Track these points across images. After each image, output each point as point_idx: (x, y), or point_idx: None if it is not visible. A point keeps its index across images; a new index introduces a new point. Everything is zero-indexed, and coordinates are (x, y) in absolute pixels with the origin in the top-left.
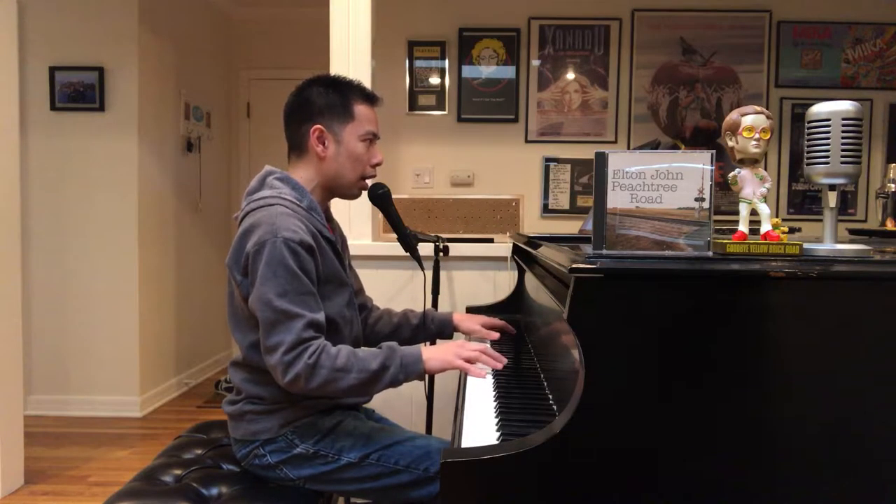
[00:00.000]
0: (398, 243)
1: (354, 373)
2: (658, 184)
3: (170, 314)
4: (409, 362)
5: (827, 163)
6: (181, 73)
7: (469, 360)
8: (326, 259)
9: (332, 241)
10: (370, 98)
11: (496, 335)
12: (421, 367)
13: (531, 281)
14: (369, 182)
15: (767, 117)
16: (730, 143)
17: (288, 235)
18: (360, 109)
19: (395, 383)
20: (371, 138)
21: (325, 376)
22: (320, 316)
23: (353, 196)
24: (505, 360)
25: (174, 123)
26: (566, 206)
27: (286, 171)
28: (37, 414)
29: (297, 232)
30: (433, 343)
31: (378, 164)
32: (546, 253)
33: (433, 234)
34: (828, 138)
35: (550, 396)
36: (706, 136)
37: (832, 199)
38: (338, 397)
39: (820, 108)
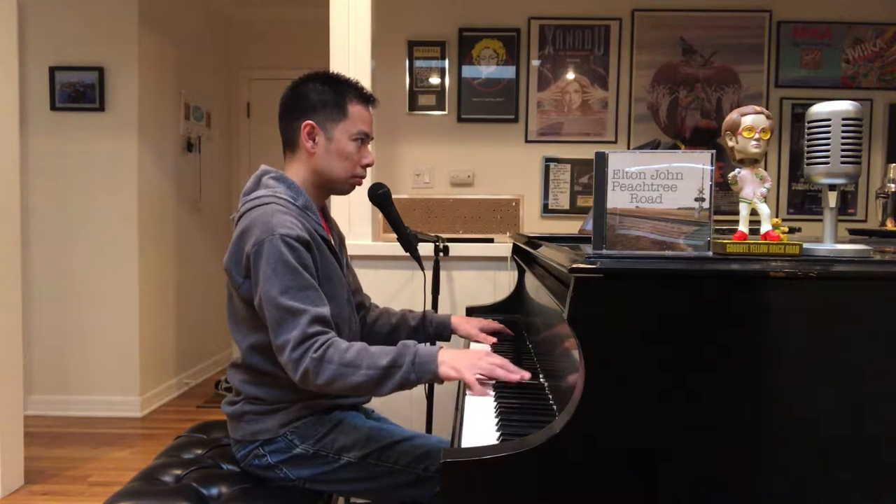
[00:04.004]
0: (398, 243)
1: (364, 369)
2: (658, 184)
3: (170, 314)
4: (424, 361)
5: (827, 163)
6: (181, 73)
7: (484, 373)
8: (323, 258)
9: (328, 240)
10: (366, 98)
11: (493, 340)
12: (434, 367)
13: (531, 281)
14: (360, 180)
15: (767, 117)
16: (730, 143)
17: (284, 232)
18: (355, 109)
19: (407, 383)
20: (363, 139)
21: (333, 371)
22: (325, 310)
23: (343, 192)
24: (528, 375)
25: (174, 123)
26: (566, 206)
27: (283, 169)
28: (37, 414)
29: (292, 228)
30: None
31: (368, 165)
32: (546, 253)
33: (433, 234)
34: (828, 138)
35: (550, 396)
36: (706, 136)
37: (832, 199)
38: (350, 395)
39: (820, 108)
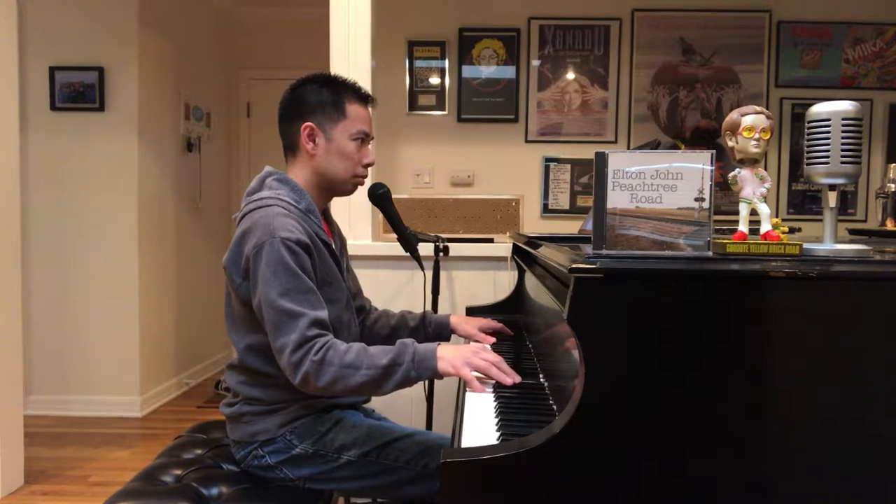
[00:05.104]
0: (398, 243)
1: (364, 369)
2: (658, 184)
3: (170, 314)
4: (423, 357)
5: (827, 163)
6: (181, 73)
7: (478, 369)
8: (323, 262)
9: (329, 244)
10: (364, 98)
11: (493, 339)
12: (434, 363)
13: (531, 281)
14: (362, 180)
15: (767, 117)
16: (730, 143)
17: (285, 235)
18: (353, 108)
19: (408, 381)
20: (363, 138)
21: (333, 373)
22: (323, 314)
23: (346, 192)
24: (518, 378)
25: (174, 123)
26: (566, 206)
27: (285, 171)
28: (37, 414)
29: (293, 232)
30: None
31: (369, 165)
32: (546, 253)
33: (433, 234)
34: (828, 138)
35: (550, 396)
36: (706, 136)
37: (832, 199)
38: (351, 396)
39: (820, 108)
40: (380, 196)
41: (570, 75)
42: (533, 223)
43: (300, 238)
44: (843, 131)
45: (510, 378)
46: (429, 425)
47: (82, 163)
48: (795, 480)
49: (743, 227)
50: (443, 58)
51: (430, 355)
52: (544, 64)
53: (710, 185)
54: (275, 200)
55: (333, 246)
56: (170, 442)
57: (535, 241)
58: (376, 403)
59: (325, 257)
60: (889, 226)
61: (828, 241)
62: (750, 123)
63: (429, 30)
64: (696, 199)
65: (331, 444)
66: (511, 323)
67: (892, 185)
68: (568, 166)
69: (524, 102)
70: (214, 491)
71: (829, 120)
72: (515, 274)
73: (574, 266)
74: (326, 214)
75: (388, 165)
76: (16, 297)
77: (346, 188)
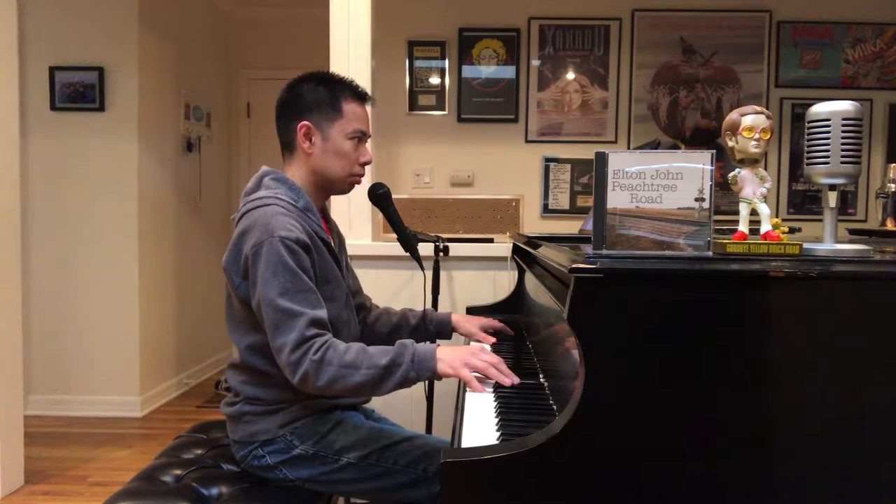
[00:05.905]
0: (398, 243)
1: (363, 369)
2: (658, 184)
3: (170, 314)
4: (423, 358)
5: (827, 163)
6: (181, 73)
7: (477, 370)
8: (322, 260)
9: (328, 242)
10: (361, 96)
11: (493, 340)
12: (434, 363)
13: (531, 281)
14: (359, 178)
15: (767, 117)
16: (730, 143)
17: (284, 234)
18: (350, 107)
19: (407, 381)
20: (360, 136)
21: (332, 373)
22: (322, 313)
23: (343, 191)
24: (517, 380)
25: (174, 123)
26: (566, 206)
27: (282, 169)
28: (37, 414)
29: (292, 231)
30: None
31: (367, 163)
32: (546, 253)
33: (433, 234)
34: (828, 138)
35: (550, 396)
36: (706, 136)
37: (832, 199)
38: (350, 396)
39: (820, 108)
40: (380, 196)
41: (570, 75)
42: (533, 223)
43: (299, 237)
44: (843, 131)
45: (509, 379)
46: (429, 425)
47: (82, 163)
48: (795, 480)
49: (743, 227)
50: (443, 58)
51: (429, 356)
52: (544, 64)
53: (710, 185)
54: (273, 199)
55: (332, 244)
56: (170, 442)
57: (535, 241)
58: (376, 403)
59: (324, 256)
60: (889, 226)
61: (828, 241)
62: (750, 123)
63: (429, 30)
64: (696, 199)
65: (331, 446)
66: (511, 323)
67: (892, 185)
68: (568, 166)
69: (524, 102)
70: (214, 491)
71: (829, 120)
72: (515, 274)
73: (574, 266)
74: (325, 212)
75: (388, 165)
76: (16, 298)
77: (343, 187)
